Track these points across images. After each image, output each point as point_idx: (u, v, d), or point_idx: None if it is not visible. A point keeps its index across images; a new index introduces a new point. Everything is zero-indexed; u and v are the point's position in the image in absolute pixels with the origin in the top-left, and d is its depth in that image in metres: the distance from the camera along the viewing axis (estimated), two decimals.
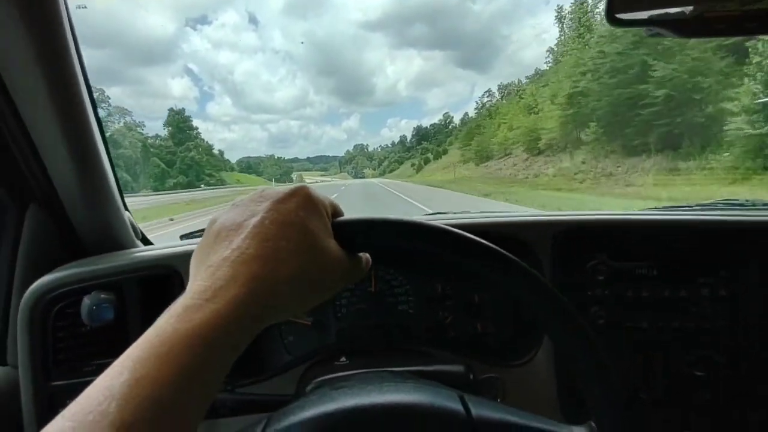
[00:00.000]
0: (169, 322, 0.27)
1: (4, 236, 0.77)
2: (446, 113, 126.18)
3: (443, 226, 0.37)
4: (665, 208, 1.07)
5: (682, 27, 0.58)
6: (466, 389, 0.45)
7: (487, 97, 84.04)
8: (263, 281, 0.30)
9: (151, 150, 59.65)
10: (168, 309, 0.28)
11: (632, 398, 0.80)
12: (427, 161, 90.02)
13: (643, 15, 0.58)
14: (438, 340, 0.89)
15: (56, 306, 0.73)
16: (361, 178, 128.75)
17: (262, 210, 0.34)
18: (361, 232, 0.39)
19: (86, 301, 0.72)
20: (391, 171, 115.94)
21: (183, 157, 61.48)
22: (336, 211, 0.39)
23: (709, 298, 0.82)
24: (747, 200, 1.04)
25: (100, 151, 0.74)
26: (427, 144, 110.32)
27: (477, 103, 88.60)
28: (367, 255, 0.42)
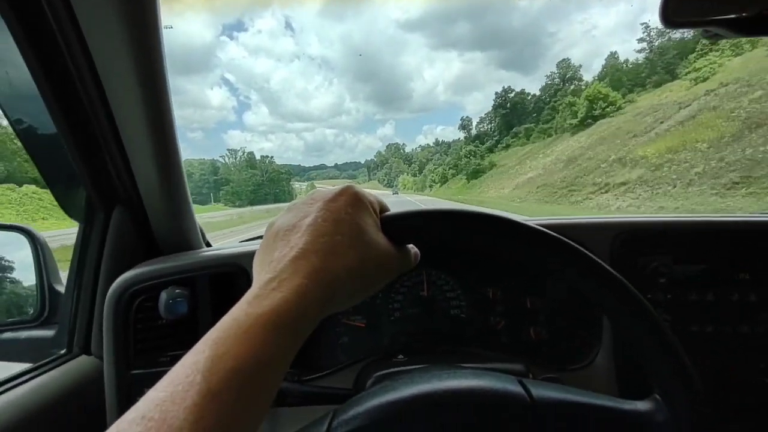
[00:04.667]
0: (242, 309, 0.31)
1: (93, 235, 0.85)
2: (565, 59, 70.11)
3: (491, 213, 0.39)
4: (727, 213, 1.04)
5: (739, 26, 0.57)
6: None
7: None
8: (322, 273, 0.33)
9: None
10: (240, 300, 0.32)
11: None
12: None
13: (699, 16, 0.58)
14: (491, 345, 0.89)
15: (137, 300, 0.78)
16: (395, 194, 73.40)
17: (315, 210, 0.37)
18: (407, 224, 0.41)
19: (163, 295, 0.77)
20: (475, 173, 57.17)
21: None
22: (383, 207, 0.42)
23: None
24: None
25: (179, 158, 0.81)
26: (556, 109, 50.32)
27: (645, 32, 50.65)
28: (416, 248, 0.45)
